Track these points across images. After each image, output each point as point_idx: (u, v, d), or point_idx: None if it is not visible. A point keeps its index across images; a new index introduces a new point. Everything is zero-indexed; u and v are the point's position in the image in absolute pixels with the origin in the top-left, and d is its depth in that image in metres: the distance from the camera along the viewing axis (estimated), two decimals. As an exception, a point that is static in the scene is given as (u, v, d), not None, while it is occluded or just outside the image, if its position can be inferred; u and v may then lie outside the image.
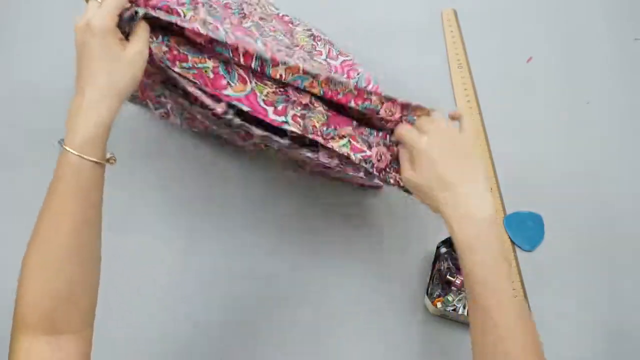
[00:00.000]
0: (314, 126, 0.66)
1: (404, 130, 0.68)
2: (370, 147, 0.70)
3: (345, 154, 0.68)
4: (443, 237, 0.82)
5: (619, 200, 0.90)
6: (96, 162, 0.54)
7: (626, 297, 0.84)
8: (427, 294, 0.80)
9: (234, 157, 0.90)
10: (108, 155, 0.56)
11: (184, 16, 0.61)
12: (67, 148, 0.52)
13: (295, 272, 0.84)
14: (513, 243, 0.86)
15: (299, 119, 0.66)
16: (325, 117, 0.67)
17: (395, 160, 0.71)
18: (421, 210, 0.86)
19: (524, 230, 0.87)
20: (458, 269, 0.82)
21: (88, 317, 0.56)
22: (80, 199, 0.53)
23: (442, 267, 0.82)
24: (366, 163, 0.69)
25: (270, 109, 0.64)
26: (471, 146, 0.65)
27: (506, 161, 0.92)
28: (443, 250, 0.82)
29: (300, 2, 1.02)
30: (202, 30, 0.60)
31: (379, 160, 0.70)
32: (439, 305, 0.80)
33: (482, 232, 0.60)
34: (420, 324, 0.81)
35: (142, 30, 0.57)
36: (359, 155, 0.69)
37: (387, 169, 0.71)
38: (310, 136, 0.66)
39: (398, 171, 0.71)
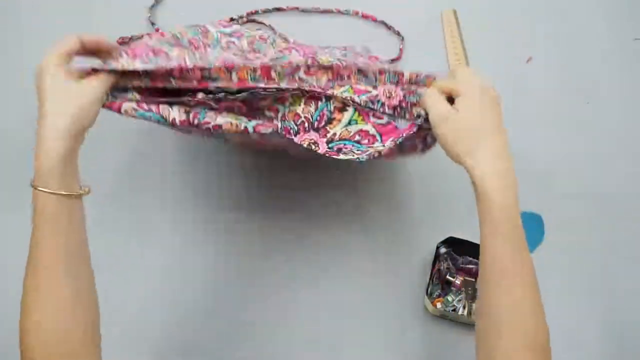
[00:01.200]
0: (313, 84, 0.63)
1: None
2: (375, 87, 0.64)
3: (349, 99, 0.63)
4: (443, 237, 0.81)
5: (619, 200, 0.89)
6: (60, 194, 0.55)
7: (626, 297, 0.83)
8: (427, 294, 0.79)
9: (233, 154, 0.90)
10: (81, 189, 0.58)
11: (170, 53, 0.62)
12: (32, 184, 0.55)
13: (294, 272, 0.84)
14: (513, 243, 0.86)
15: (297, 81, 0.63)
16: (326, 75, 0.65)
17: (411, 94, 0.63)
18: (421, 211, 0.86)
19: (524, 230, 0.87)
20: (458, 269, 0.82)
21: (87, 343, 0.57)
22: (51, 229, 0.55)
23: (442, 267, 0.82)
24: (374, 104, 0.63)
25: (261, 83, 0.62)
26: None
27: (506, 161, 0.92)
28: (443, 250, 0.82)
29: (301, 1, 1.02)
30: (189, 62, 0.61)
31: (389, 97, 0.63)
32: (438, 305, 0.79)
33: (514, 194, 0.61)
34: (420, 324, 0.81)
35: (103, 74, 0.60)
36: (364, 97, 0.63)
37: (404, 105, 0.63)
38: (307, 87, 0.63)
39: (417, 104, 0.63)
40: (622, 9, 1.04)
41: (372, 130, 0.64)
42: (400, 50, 1.00)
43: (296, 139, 0.63)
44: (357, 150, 0.63)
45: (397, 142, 0.63)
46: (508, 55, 1.00)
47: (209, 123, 0.61)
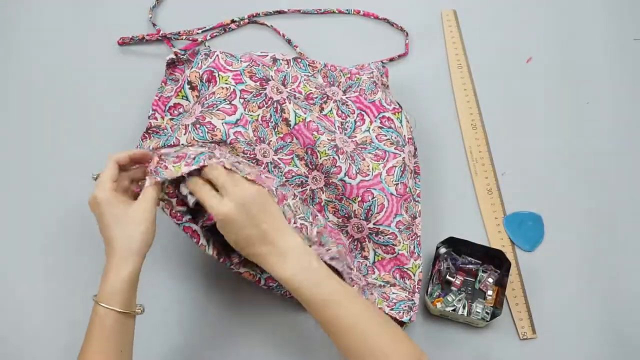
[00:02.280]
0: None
1: (202, 192, 0.66)
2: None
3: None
4: (443, 237, 0.82)
5: (618, 200, 0.90)
6: (119, 312, 0.62)
7: (626, 296, 0.84)
8: (427, 294, 0.80)
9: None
10: (137, 308, 0.65)
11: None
12: (99, 302, 0.62)
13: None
14: (513, 243, 0.86)
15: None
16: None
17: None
18: (421, 210, 0.86)
19: (524, 230, 0.87)
20: (458, 269, 0.82)
21: None
22: (108, 345, 0.61)
23: (442, 267, 0.82)
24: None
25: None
26: (263, 192, 0.66)
27: (506, 161, 0.92)
28: (443, 250, 0.82)
29: (302, 1, 1.02)
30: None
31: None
32: (438, 305, 0.80)
33: (304, 264, 0.65)
34: (420, 324, 0.81)
35: (148, 191, 0.65)
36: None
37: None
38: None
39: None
40: (622, 9, 1.04)
41: None
42: (406, 45, 1.00)
43: None
44: None
45: None
46: (508, 55, 1.00)
47: (232, 269, 0.75)
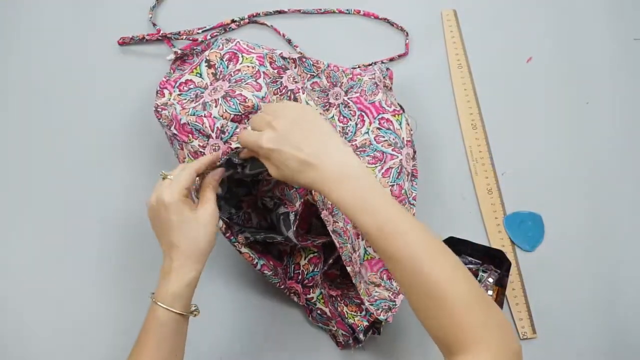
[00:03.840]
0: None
1: (244, 135, 0.63)
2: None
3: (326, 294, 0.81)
4: (443, 237, 0.82)
5: (618, 200, 0.90)
6: (181, 314, 0.62)
7: (626, 296, 0.84)
8: (427, 294, 0.80)
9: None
10: (192, 308, 0.65)
11: None
12: (159, 303, 0.61)
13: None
14: (513, 243, 0.86)
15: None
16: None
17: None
18: (421, 210, 0.86)
19: (524, 230, 0.87)
20: (458, 269, 0.82)
21: None
22: (163, 344, 0.62)
23: (442, 267, 0.82)
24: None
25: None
26: (308, 110, 0.62)
27: (506, 161, 0.92)
28: (443, 250, 0.82)
29: (302, 1, 1.02)
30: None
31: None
32: (439, 305, 0.80)
33: (361, 187, 0.57)
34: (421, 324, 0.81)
35: (208, 193, 0.65)
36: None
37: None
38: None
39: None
40: (622, 9, 1.04)
41: (327, 312, 0.80)
42: (406, 45, 1.00)
43: (288, 282, 0.80)
44: (319, 320, 0.81)
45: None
46: (508, 55, 1.00)
47: (235, 246, 0.76)
